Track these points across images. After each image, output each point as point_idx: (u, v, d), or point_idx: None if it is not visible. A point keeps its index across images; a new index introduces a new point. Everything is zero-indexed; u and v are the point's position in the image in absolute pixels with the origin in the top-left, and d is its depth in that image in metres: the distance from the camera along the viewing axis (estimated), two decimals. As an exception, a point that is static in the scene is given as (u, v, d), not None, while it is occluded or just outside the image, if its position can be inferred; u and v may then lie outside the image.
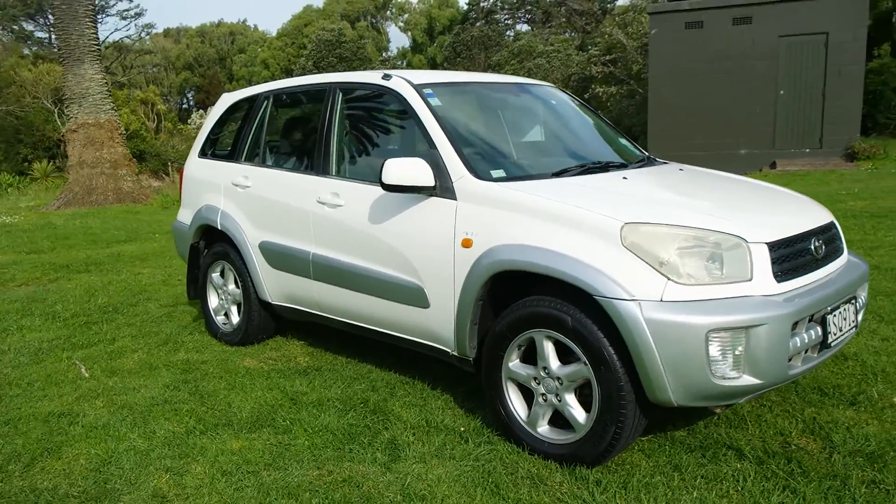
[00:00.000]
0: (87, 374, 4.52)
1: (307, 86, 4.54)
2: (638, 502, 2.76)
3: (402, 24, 54.63)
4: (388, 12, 55.01)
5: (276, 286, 4.55)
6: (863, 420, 3.32)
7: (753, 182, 3.94)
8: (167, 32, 71.22)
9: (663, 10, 14.93)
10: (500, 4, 45.61)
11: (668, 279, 2.75)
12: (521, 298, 3.22)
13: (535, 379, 3.14)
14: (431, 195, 3.51)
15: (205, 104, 48.59)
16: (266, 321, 4.84)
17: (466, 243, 3.32)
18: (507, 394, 3.27)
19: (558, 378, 3.05)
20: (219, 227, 4.83)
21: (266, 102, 4.78)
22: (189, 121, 38.47)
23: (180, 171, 5.45)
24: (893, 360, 3.99)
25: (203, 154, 5.25)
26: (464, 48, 37.47)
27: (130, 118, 28.89)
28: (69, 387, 4.31)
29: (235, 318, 4.96)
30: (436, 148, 3.55)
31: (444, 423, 3.53)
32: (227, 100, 5.21)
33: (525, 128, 4.21)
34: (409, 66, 45.43)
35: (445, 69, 40.06)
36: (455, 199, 3.42)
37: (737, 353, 2.73)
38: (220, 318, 5.11)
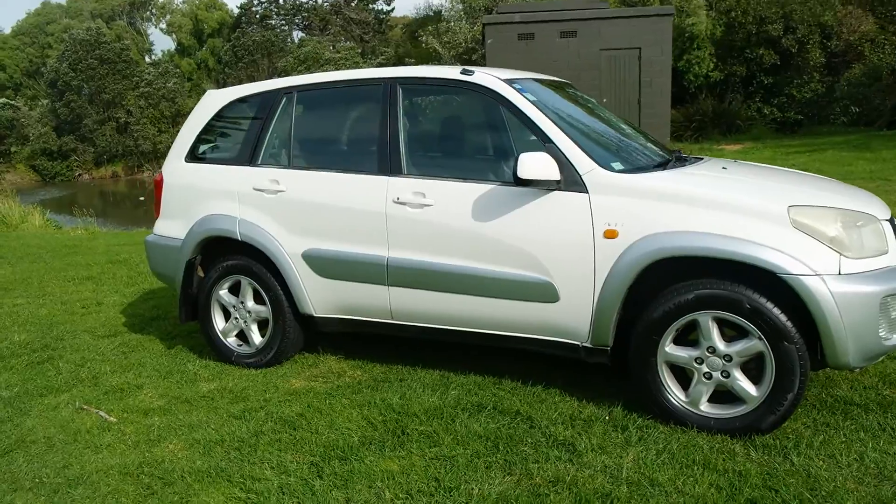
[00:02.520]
0: (113, 419, 3.83)
1: (350, 81, 4.25)
2: (833, 459, 3.04)
3: (163, 27, 51.12)
4: (148, 12, 51.19)
5: (325, 297, 4.20)
6: (913, 368, 3.92)
7: (811, 174, 4.42)
8: None
9: (498, 22, 15.80)
10: (274, 10, 44.69)
11: (840, 254, 3.08)
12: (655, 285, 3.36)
13: (698, 359, 3.31)
14: (554, 189, 3.52)
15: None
16: (298, 337, 4.45)
17: (610, 234, 3.39)
18: (664, 378, 3.39)
19: (726, 356, 3.24)
20: (238, 238, 4.34)
21: (287, 99, 4.38)
22: None
23: (157, 178, 4.78)
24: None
25: (193, 158, 4.67)
26: (245, 53, 36.14)
27: None
28: (109, 435, 3.64)
29: (257, 338, 4.48)
30: (552, 142, 3.56)
31: (582, 414, 3.55)
32: (219, 98, 4.68)
33: (594, 124, 4.32)
34: (178, 69, 42.60)
35: (225, 73, 38.19)
36: (586, 191, 3.47)
37: (892, 316, 3.12)
38: (231, 340, 4.58)
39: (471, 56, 20.47)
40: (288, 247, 4.22)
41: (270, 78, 36.10)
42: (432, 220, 3.81)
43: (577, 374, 4.00)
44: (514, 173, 3.42)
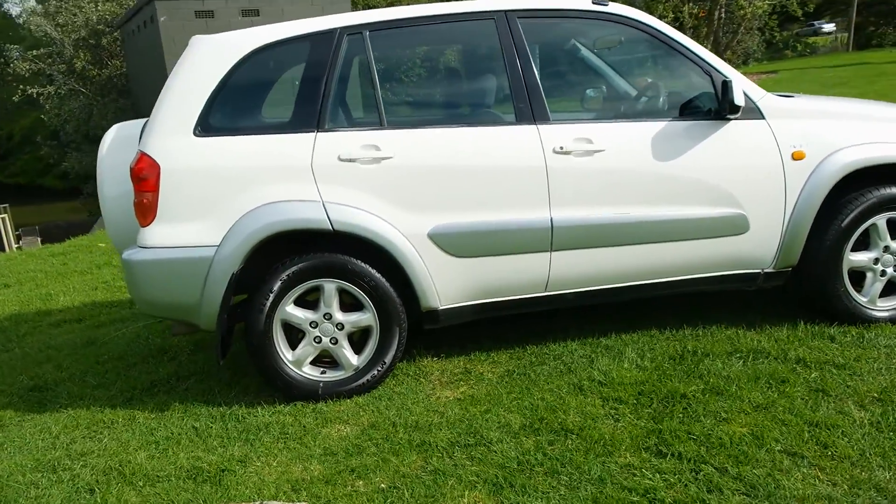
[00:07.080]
0: (303, 504, 2.57)
1: (446, 17, 3.41)
2: None
3: None
4: None
5: (458, 283, 3.40)
6: None
7: None
8: None
9: (171, -2, 13.70)
10: None
11: None
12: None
13: (876, 260, 3.60)
14: (733, 119, 3.45)
15: None
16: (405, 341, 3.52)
17: (798, 155, 3.47)
18: (846, 281, 3.60)
19: (899, 252, 3.61)
20: (331, 229, 3.23)
21: (352, 42, 3.35)
22: None
23: (140, 165, 3.21)
24: None
25: (208, 131, 3.27)
26: None
27: None
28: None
29: (353, 357, 3.41)
30: (720, 72, 3.47)
31: (781, 336, 3.56)
32: (231, 46, 3.30)
33: None
34: None
35: None
36: (762, 117, 3.48)
37: None
38: (307, 370, 3.40)
39: (99, 39, 17.40)
40: (406, 227, 3.30)
41: None
42: (607, 168, 3.38)
43: (677, 307, 3.98)
44: (732, 101, 3.28)
